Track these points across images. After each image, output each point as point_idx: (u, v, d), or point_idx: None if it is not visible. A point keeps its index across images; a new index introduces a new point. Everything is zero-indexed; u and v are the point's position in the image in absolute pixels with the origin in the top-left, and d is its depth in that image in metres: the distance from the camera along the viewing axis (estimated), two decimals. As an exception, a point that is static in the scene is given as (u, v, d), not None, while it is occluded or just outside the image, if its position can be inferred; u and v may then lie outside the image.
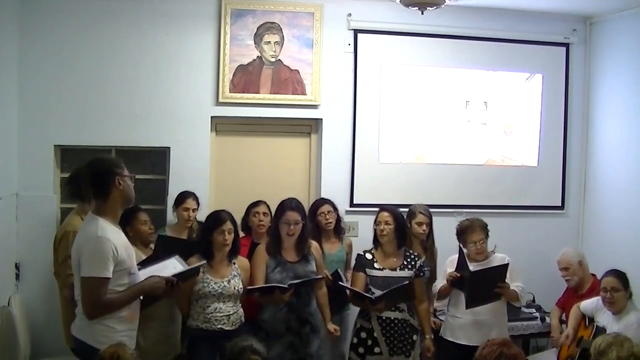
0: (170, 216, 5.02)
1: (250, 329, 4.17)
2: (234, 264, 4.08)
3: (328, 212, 4.74)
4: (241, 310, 4.06)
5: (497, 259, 4.39)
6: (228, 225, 3.98)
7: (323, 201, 4.85)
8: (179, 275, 3.60)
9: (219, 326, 3.91)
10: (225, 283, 3.97)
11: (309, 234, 4.29)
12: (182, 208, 4.76)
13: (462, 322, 4.30)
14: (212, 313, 3.92)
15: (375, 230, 4.25)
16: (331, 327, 4.22)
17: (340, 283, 4.20)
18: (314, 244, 4.33)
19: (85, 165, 3.31)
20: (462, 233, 4.40)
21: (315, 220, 4.69)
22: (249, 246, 4.46)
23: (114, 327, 3.21)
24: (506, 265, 4.21)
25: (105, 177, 3.23)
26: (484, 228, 4.38)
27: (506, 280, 4.24)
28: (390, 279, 4.13)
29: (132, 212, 4.17)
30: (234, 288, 3.98)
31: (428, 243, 4.81)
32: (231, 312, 3.97)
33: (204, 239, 4.01)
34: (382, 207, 4.36)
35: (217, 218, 4.00)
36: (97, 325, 3.18)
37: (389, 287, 4.07)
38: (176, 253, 3.81)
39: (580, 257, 4.84)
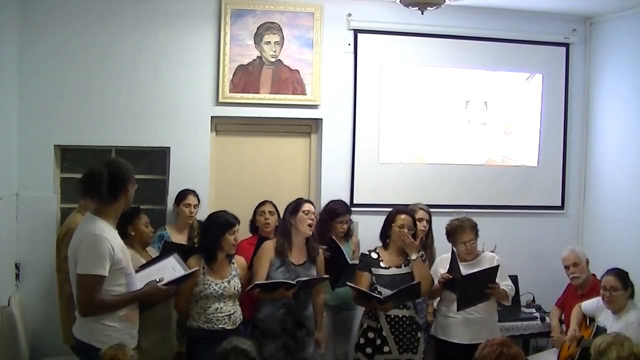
0: (170, 216, 5.03)
1: (245, 327, 4.18)
2: (233, 263, 4.09)
3: (346, 221, 4.73)
4: (239, 309, 4.07)
5: (487, 258, 4.39)
6: (237, 226, 4.03)
7: (345, 210, 4.78)
8: (176, 281, 3.62)
9: (221, 326, 3.93)
10: (226, 284, 3.98)
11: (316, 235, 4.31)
12: (184, 204, 4.78)
13: (454, 321, 4.30)
14: (213, 313, 3.93)
15: (393, 231, 4.15)
16: (319, 335, 4.25)
17: (349, 284, 4.17)
18: (321, 251, 4.33)
19: (102, 165, 3.31)
20: (452, 233, 4.38)
21: (331, 224, 4.68)
22: (256, 244, 4.46)
23: (114, 326, 3.22)
24: (497, 267, 4.21)
25: (120, 182, 3.27)
26: (474, 228, 4.37)
27: (496, 281, 4.24)
28: (397, 277, 4.13)
29: (134, 213, 4.18)
30: (234, 288, 4.00)
31: (427, 241, 4.80)
32: (232, 312, 3.98)
33: (213, 240, 3.99)
34: (403, 210, 4.27)
35: (229, 220, 4.02)
36: (97, 325, 3.20)
37: (396, 285, 4.06)
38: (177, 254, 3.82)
39: (586, 256, 4.84)
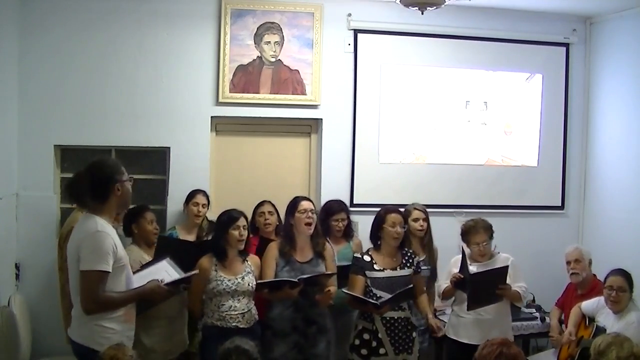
0: (171, 216, 5.04)
1: (258, 327, 4.18)
2: (247, 261, 4.08)
3: (342, 219, 4.72)
4: (254, 308, 4.06)
5: (501, 259, 4.38)
6: (242, 221, 4.02)
7: (340, 207, 4.77)
8: (177, 282, 3.60)
9: (234, 324, 3.92)
10: (239, 280, 3.97)
11: (321, 230, 4.31)
12: (192, 203, 4.81)
13: (465, 321, 4.30)
14: (226, 311, 3.93)
15: (386, 231, 4.14)
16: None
17: (344, 290, 4.15)
18: (328, 247, 4.31)
19: (85, 170, 3.31)
20: (466, 234, 4.40)
21: (328, 223, 4.68)
22: (257, 245, 4.46)
23: (112, 328, 3.21)
24: (506, 267, 4.21)
25: (105, 184, 3.26)
26: (488, 229, 4.37)
27: (509, 281, 4.24)
28: (392, 279, 4.12)
29: (139, 211, 4.18)
30: (248, 284, 3.99)
31: (426, 240, 4.80)
32: (245, 310, 3.98)
33: (219, 237, 4.02)
34: (392, 209, 4.25)
35: (231, 215, 4.03)
36: (95, 327, 3.18)
37: (392, 287, 4.05)
38: (174, 255, 3.80)
39: (590, 256, 4.84)
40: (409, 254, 4.27)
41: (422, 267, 4.57)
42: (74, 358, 3.40)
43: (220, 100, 5.14)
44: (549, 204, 5.86)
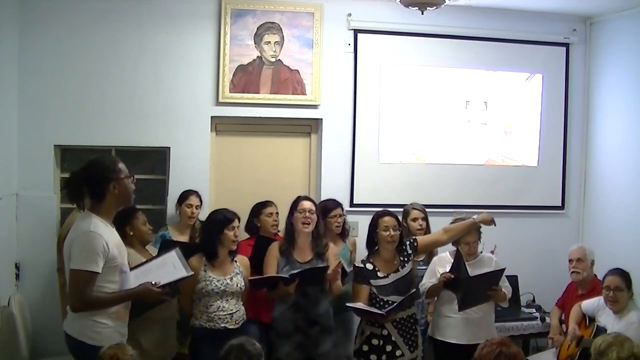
0: (170, 217, 5.03)
1: (260, 328, 4.19)
2: (236, 261, 4.08)
3: (339, 215, 4.73)
4: (243, 308, 4.06)
5: (485, 258, 4.38)
6: (237, 222, 4.03)
7: (335, 204, 4.78)
8: (170, 284, 3.56)
9: (223, 325, 3.92)
10: (228, 280, 3.97)
11: (324, 231, 4.31)
12: (186, 205, 4.79)
13: (452, 321, 4.27)
14: (215, 312, 3.93)
15: (380, 236, 4.11)
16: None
17: (349, 305, 4.12)
18: (332, 246, 4.31)
19: (80, 170, 3.33)
20: None
21: (325, 221, 4.67)
22: (254, 245, 4.45)
23: (105, 323, 3.22)
24: (503, 270, 4.20)
25: (100, 184, 3.27)
26: (478, 229, 4.37)
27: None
28: (398, 281, 4.10)
29: (131, 212, 4.17)
30: (237, 285, 3.99)
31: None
32: (234, 311, 3.97)
33: (212, 237, 4.00)
34: (383, 212, 4.21)
35: (227, 216, 4.03)
36: (87, 321, 3.20)
37: (399, 290, 4.05)
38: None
39: (593, 257, 4.83)
40: (403, 247, 4.22)
41: (421, 267, 4.57)
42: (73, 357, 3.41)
43: (220, 100, 5.14)
44: (549, 204, 5.86)
